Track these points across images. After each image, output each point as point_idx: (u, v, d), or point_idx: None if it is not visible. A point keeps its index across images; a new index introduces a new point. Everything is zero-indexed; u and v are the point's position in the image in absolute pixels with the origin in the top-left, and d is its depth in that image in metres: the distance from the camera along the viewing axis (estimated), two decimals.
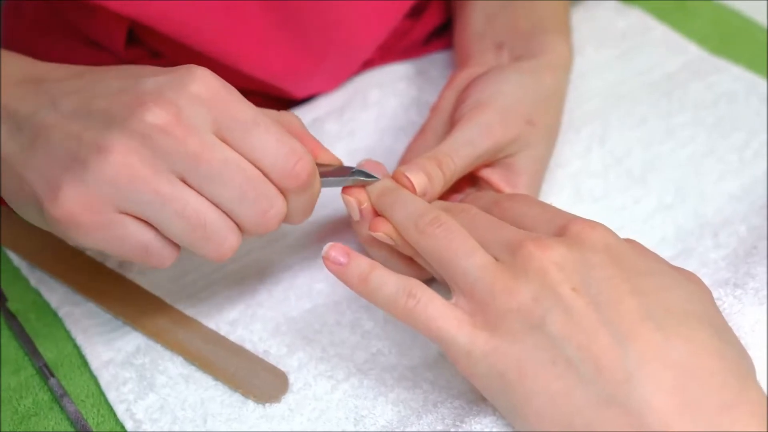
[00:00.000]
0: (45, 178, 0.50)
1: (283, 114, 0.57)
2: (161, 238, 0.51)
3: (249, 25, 0.66)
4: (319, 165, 0.56)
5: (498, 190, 0.62)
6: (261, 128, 0.51)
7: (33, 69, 0.55)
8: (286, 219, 0.54)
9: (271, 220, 0.52)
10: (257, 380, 0.57)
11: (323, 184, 0.56)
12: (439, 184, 0.58)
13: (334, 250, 0.52)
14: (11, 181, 0.52)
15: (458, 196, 0.62)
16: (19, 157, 0.51)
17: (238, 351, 0.58)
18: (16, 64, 0.55)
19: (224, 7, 0.64)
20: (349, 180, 0.57)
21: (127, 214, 0.50)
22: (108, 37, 0.67)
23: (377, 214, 0.56)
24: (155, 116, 0.48)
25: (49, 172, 0.50)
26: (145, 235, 0.51)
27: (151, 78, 0.51)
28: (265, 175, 0.51)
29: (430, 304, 0.49)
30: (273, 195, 0.52)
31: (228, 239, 0.52)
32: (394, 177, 0.57)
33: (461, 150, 0.59)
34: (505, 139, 0.61)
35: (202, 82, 0.50)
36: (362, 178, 0.57)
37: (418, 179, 0.56)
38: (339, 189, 0.58)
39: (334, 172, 0.57)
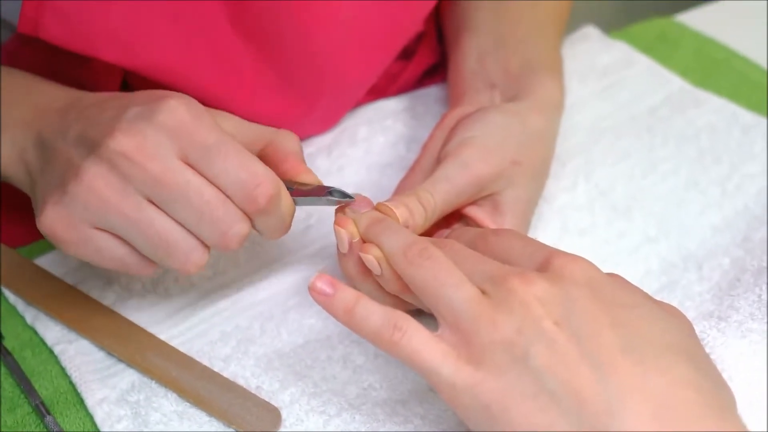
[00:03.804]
0: (41, 196, 0.57)
1: (280, 132, 0.60)
2: (135, 252, 0.57)
3: (241, 74, 0.67)
4: (297, 184, 0.58)
5: (483, 227, 0.62)
6: (222, 154, 0.54)
7: (68, 96, 0.61)
8: (262, 236, 0.58)
9: (230, 240, 0.56)
10: (250, 416, 0.57)
11: (299, 203, 0.59)
12: (420, 218, 0.59)
13: (320, 280, 0.53)
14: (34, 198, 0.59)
15: (445, 231, 0.63)
16: (37, 177, 0.58)
17: (231, 387, 0.59)
18: (56, 93, 0.62)
19: (217, 57, 0.65)
20: (323, 200, 0.59)
21: (102, 230, 0.56)
22: (102, 88, 0.69)
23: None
24: (120, 144, 0.54)
25: (44, 191, 0.57)
26: (120, 249, 0.57)
27: (133, 108, 0.55)
28: (229, 198, 0.55)
29: (415, 336, 0.50)
30: (232, 217, 0.55)
31: (191, 256, 0.56)
32: (377, 209, 0.59)
33: (439, 186, 0.61)
34: (486, 176, 0.62)
35: (170, 110, 0.55)
36: (338, 198, 0.58)
37: (399, 212, 0.58)
38: (332, 224, 0.59)
39: (310, 192, 0.59)
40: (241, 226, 0.56)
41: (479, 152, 0.62)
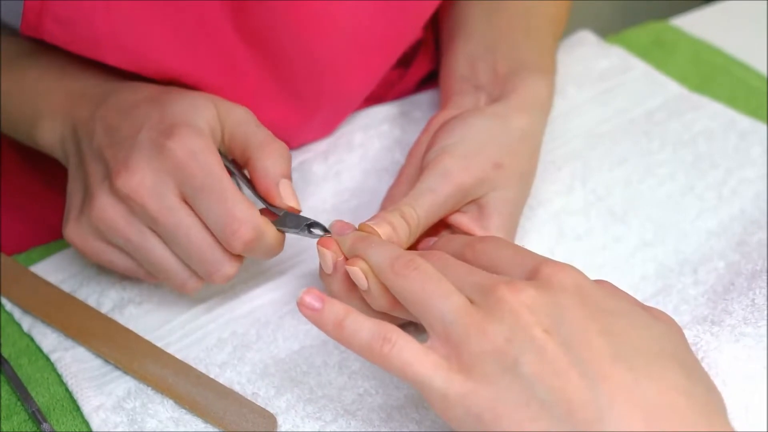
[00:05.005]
0: (67, 205, 0.63)
1: (266, 150, 0.61)
2: (141, 266, 0.62)
3: (242, 82, 0.67)
4: (279, 213, 0.60)
5: (470, 234, 0.62)
6: (207, 195, 0.57)
7: (98, 86, 0.64)
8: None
9: (216, 279, 0.60)
10: (246, 423, 0.57)
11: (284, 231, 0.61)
12: (404, 234, 0.59)
13: (308, 295, 0.53)
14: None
15: (432, 240, 0.62)
16: (72, 171, 0.63)
17: (227, 393, 0.59)
18: (87, 80, 0.65)
19: (219, 63, 0.65)
20: (304, 231, 0.60)
21: (114, 245, 0.61)
22: None
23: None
24: (124, 184, 0.58)
25: (70, 201, 0.62)
26: (129, 263, 0.62)
27: (145, 133, 0.59)
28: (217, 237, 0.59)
29: (405, 347, 0.50)
30: (217, 260, 0.59)
31: (187, 283, 0.61)
32: (360, 229, 0.58)
33: (422, 198, 0.61)
34: (468, 183, 0.62)
35: (173, 149, 0.58)
36: (319, 232, 0.60)
37: (382, 229, 0.58)
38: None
39: (291, 224, 0.60)
40: (226, 269, 0.60)
41: (460, 160, 0.62)
